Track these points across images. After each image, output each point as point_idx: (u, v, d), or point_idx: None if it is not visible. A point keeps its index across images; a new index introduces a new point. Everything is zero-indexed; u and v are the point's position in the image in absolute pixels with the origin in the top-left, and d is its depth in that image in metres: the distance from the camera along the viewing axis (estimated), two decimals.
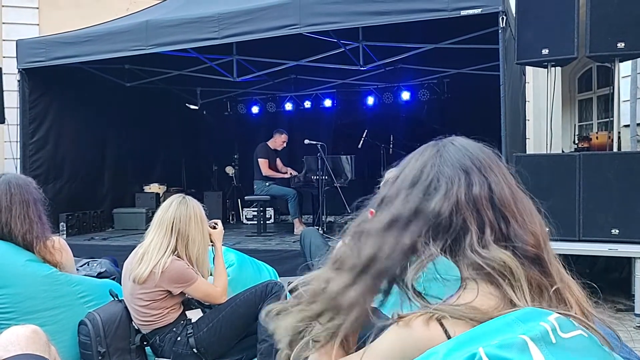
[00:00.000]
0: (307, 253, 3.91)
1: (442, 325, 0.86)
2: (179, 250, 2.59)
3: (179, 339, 2.57)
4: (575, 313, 0.88)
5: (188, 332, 2.59)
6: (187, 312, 2.68)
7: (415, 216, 0.94)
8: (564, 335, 0.75)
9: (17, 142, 6.02)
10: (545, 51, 4.07)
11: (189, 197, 2.72)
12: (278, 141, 7.02)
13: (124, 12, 6.87)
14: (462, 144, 1.01)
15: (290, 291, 1.08)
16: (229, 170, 8.89)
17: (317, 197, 6.36)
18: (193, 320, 2.64)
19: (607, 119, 8.01)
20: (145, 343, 2.62)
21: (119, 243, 5.67)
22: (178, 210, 2.61)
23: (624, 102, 6.53)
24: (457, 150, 1.00)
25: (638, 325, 3.62)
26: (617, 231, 3.75)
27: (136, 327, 2.61)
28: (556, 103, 4.51)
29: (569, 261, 1.12)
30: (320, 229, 5.75)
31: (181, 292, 2.58)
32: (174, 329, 2.59)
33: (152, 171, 8.06)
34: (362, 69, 6.30)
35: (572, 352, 0.74)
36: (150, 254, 2.52)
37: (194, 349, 2.56)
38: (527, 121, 6.59)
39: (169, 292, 2.54)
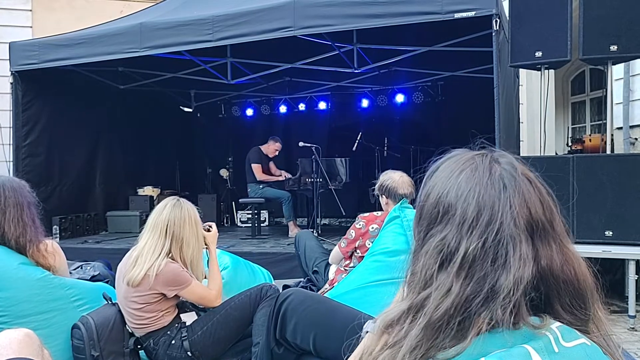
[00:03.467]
0: (302, 255, 3.91)
1: None
2: (173, 252, 2.58)
3: (173, 342, 2.56)
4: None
5: (182, 335, 2.57)
6: (181, 315, 2.66)
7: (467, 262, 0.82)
8: (567, 344, 0.75)
9: (9, 144, 5.99)
10: (538, 54, 4.08)
11: (183, 200, 2.71)
12: (271, 148, 6.99)
13: (118, 14, 6.84)
14: (530, 197, 0.88)
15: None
16: (223, 172, 8.87)
17: (312, 200, 6.35)
18: (187, 324, 2.63)
19: (600, 122, 8.06)
20: (139, 346, 2.61)
21: (113, 246, 5.64)
22: (172, 213, 2.60)
23: (617, 104, 6.58)
24: (523, 206, 0.86)
25: (632, 326, 3.64)
26: (611, 233, 3.77)
27: (130, 331, 2.60)
28: (549, 105, 4.53)
29: None
30: (314, 231, 5.75)
31: (175, 295, 2.57)
32: (168, 332, 2.57)
33: (145, 174, 8.02)
34: (357, 71, 6.30)
35: None
36: (144, 257, 2.51)
37: (189, 352, 2.55)
38: (520, 123, 6.61)
39: (163, 295, 2.52)
